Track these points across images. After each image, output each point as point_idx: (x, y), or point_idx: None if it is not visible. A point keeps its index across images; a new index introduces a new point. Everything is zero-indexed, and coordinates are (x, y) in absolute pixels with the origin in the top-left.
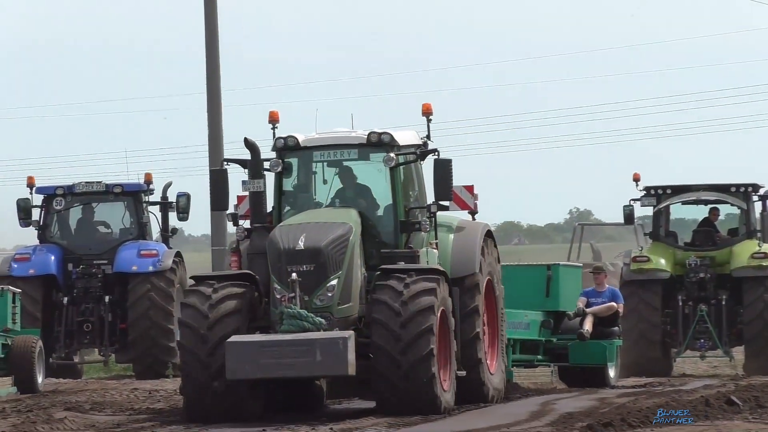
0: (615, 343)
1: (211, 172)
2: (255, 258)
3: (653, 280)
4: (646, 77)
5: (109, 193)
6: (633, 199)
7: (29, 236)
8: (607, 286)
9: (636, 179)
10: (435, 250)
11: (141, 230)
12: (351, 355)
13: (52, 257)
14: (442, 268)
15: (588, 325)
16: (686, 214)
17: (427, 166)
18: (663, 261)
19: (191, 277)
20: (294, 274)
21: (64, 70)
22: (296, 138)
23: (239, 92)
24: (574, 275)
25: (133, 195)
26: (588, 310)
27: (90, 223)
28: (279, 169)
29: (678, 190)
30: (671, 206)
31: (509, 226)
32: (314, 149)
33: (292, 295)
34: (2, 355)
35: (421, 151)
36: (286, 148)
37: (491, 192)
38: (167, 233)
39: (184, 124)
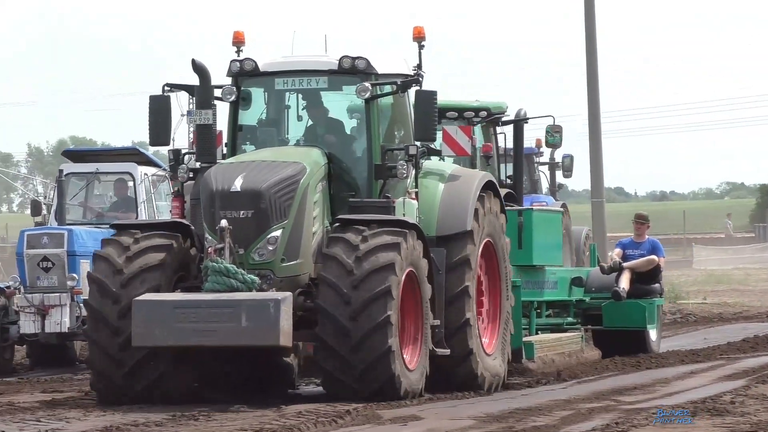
0: (656, 303)
1: (150, 99)
2: (199, 204)
3: None
4: None
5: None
6: None
7: None
8: (647, 237)
9: None
10: (414, 201)
11: (533, 186)
12: (285, 322)
13: None
14: (412, 221)
15: (625, 283)
16: None
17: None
18: None
19: (111, 225)
20: (224, 221)
21: None
22: (254, 61)
23: None
24: (551, 222)
25: (526, 156)
26: (625, 264)
27: None
28: (233, 98)
29: None
30: None
31: None
32: (276, 75)
33: (221, 246)
34: None
35: (403, 81)
36: (243, 73)
37: None
38: (554, 188)
39: None
